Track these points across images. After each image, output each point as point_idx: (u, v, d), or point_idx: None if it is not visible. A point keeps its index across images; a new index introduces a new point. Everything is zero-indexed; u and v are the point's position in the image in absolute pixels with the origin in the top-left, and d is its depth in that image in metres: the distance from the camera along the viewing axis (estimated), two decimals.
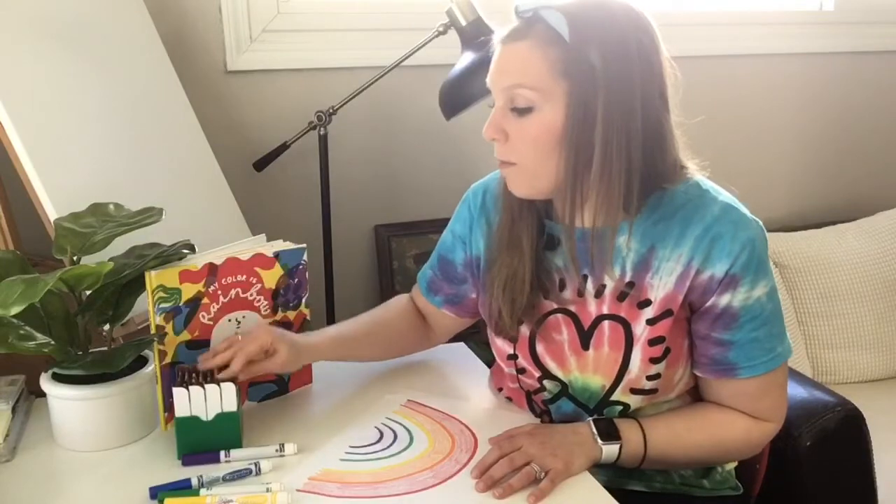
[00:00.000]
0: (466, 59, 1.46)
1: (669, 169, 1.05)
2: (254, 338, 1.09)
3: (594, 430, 1.07)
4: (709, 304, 1.05)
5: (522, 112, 1.01)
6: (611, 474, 1.13)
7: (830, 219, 2.17)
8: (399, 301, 1.34)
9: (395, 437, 1.11)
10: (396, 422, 1.15)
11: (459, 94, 1.45)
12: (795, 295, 1.99)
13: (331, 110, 1.62)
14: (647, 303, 1.06)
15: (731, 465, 1.22)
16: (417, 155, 1.90)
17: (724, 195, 1.08)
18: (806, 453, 1.29)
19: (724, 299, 1.04)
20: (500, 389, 1.26)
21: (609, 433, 1.06)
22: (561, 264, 1.11)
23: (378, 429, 1.13)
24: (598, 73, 0.97)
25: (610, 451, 1.05)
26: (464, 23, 1.48)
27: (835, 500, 1.36)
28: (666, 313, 1.06)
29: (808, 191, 2.31)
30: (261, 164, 1.69)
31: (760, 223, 1.07)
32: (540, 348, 1.13)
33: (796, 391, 1.39)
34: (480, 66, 1.42)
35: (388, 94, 1.80)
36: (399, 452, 1.07)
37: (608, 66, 0.98)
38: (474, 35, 1.47)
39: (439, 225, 1.88)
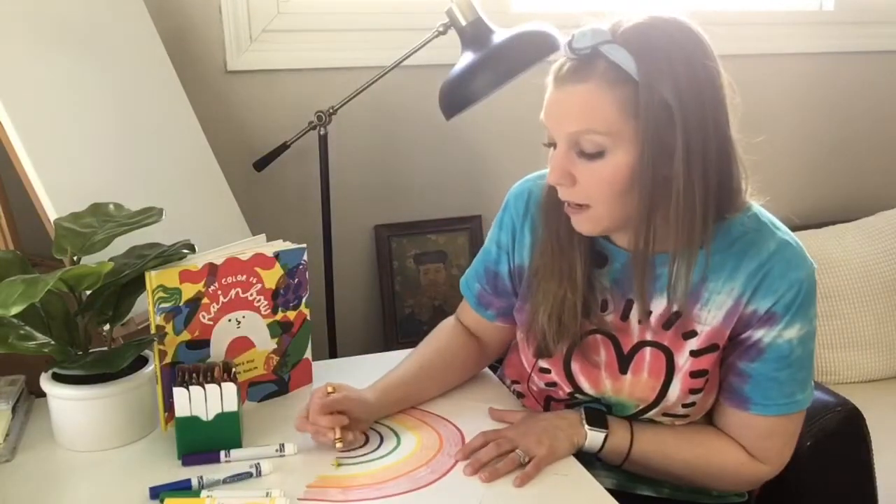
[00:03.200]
0: (466, 59, 1.46)
1: (734, 195, 1.00)
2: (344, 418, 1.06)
3: (583, 415, 1.06)
4: (744, 335, 1.03)
5: (592, 157, 0.94)
6: (620, 478, 1.13)
7: (830, 219, 2.16)
8: (445, 326, 1.27)
9: (382, 439, 1.11)
10: (382, 423, 1.14)
11: (459, 94, 1.45)
12: None
13: (331, 110, 1.62)
14: (693, 333, 1.04)
15: None
16: (417, 155, 1.90)
17: (783, 230, 1.05)
18: (806, 453, 1.29)
19: (757, 333, 1.02)
20: (516, 382, 1.24)
21: (597, 421, 1.06)
22: (607, 284, 1.08)
23: (364, 432, 1.12)
24: (673, 108, 0.91)
25: (594, 437, 1.05)
26: (464, 23, 1.48)
27: (835, 499, 1.35)
28: (711, 347, 1.04)
29: (807, 191, 2.31)
30: (261, 164, 1.69)
31: (814, 265, 1.03)
32: (575, 367, 1.10)
33: None
34: (480, 66, 1.42)
35: (388, 94, 1.80)
36: (389, 453, 1.07)
37: (682, 98, 0.91)
38: (474, 35, 1.47)
39: (439, 225, 1.91)
